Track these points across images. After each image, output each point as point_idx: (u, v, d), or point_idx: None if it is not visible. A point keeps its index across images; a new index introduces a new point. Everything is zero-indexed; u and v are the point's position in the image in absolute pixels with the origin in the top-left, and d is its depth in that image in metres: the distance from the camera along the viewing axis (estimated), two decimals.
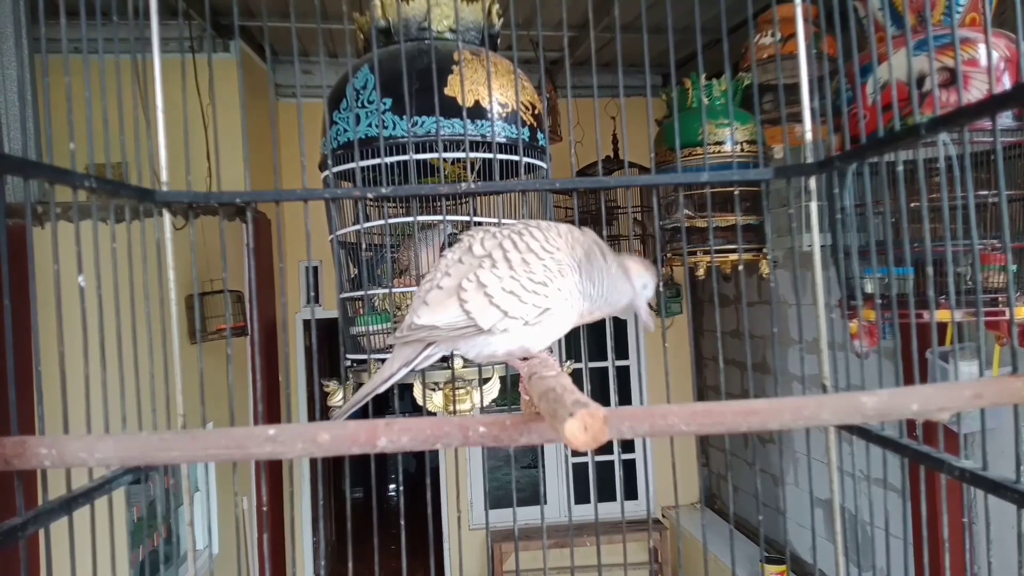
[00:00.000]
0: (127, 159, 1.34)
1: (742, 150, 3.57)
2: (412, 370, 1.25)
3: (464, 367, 1.95)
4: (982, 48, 2.26)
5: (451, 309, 1.13)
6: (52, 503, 1.00)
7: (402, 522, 1.70)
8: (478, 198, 2.21)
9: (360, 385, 2.07)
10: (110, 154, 1.31)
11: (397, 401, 1.79)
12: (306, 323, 6.42)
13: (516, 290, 1.12)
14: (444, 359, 1.93)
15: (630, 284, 1.23)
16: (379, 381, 1.23)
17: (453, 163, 2.28)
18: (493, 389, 1.97)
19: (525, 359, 1.21)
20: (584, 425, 0.77)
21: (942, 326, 2.89)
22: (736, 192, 3.06)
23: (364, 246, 2.06)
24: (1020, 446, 0.98)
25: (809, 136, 1.46)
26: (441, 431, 0.91)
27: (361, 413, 1.65)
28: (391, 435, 0.90)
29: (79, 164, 1.17)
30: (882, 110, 2.29)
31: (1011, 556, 1.03)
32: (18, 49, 2.35)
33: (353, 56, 2.28)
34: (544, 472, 7.10)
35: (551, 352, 1.26)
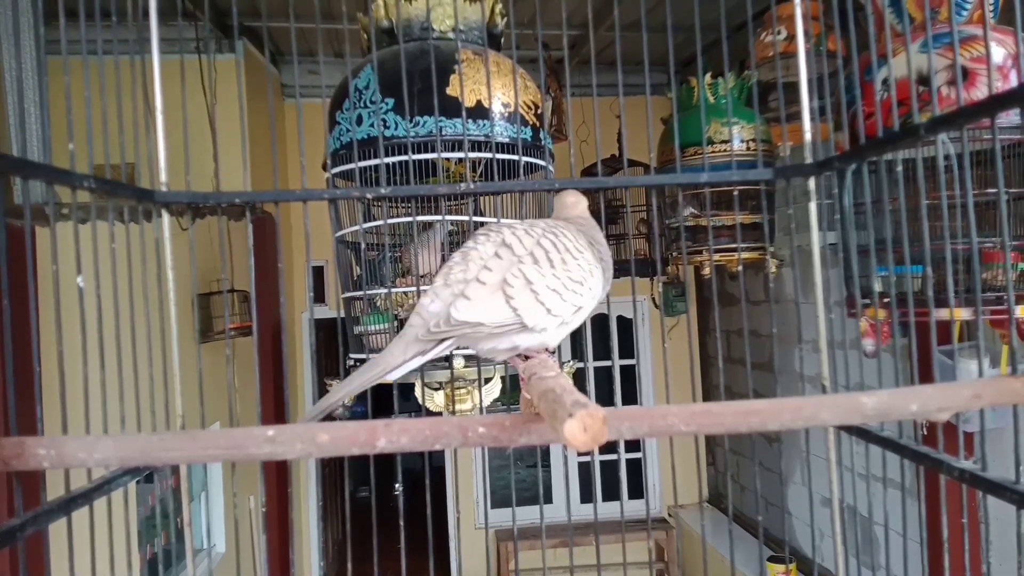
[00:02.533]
0: (126, 159, 1.34)
1: (748, 148, 3.56)
2: (426, 359, 1.18)
3: (465, 367, 1.95)
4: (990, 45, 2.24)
5: (497, 306, 1.10)
6: (51, 504, 1.00)
7: (401, 522, 1.70)
8: (480, 197, 2.22)
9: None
10: (110, 155, 1.31)
11: (398, 402, 1.79)
12: (311, 322, 6.43)
13: (559, 288, 1.12)
14: (445, 359, 1.93)
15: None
16: (392, 365, 1.15)
17: (459, 163, 2.28)
18: (495, 389, 1.97)
19: (526, 358, 1.21)
20: (583, 426, 0.76)
21: (949, 324, 2.88)
22: (736, 192, 3.06)
23: (365, 246, 2.06)
24: (1020, 447, 0.98)
25: (809, 136, 1.46)
26: (440, 431, 0.91)
27: (361, 413, 1.66)
28: (390, 435, 0.90)
29: (80, 164, 1.17)
30: (888, 110, 2.28)
31: (1011, 556, 1.03)
32: (18, 50, 2.36)
33: (357, 56, 2.28)
34: (550, 471, 7.10)
35: (551, 353, 1.26)
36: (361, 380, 1.15)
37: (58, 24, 1.24)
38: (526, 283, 1.11)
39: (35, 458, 0.86)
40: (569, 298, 1.13)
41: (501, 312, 1.11)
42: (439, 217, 2.06)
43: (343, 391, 1.17)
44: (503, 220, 1.84)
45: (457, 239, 2.11)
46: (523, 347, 1.17)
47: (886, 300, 2.27)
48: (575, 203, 1.35)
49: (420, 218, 2.00)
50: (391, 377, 1.19)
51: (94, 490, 1.11)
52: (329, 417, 2.05)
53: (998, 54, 2.32)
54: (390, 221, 2.06)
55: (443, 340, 1.15)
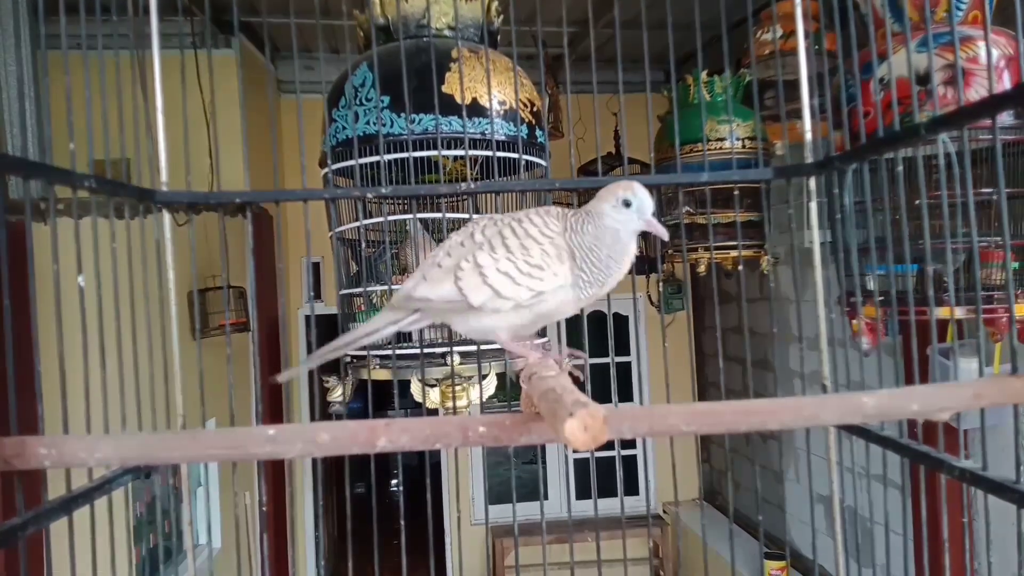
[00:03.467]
0: (127, 156, 1.34)
1: (743, 147, 3.56)
2: (398, 330, 1.31)
3: (461, 363, 1.95)
4: (983, 46, 2.25)
5: (446, 285, 1.18)
6: (52, 503, 1.00)
7: (402, 521, 1.71)
8: (478, 196, 2.21)
9: (362, 381, 2.07)
10: (110, 152, 1.31)
11: (397, 399, 1.79)
12: (308, 319, 6.42)
13: (511, 271, 1.15)
14: (443, 356, 1.94)
15: (617, 221, 1.19)
16: (363, 333, 1.28)
17: (455, 160, 2.28)
18: (490, 386, 1.97)
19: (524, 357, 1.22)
20: (584, 425, 0.76)
21: (944, 323, 2.90)
22: (736, 191, 3.05)
23: (364, 243, 2.06)
24: (1020, 447, 0.98)
25: (809, 136, 1.46)
26: (441, 431, 0.91)
27: (361, 412, 1.66)
28: (391, 435, 0.90)
29: (80, 161, 1.17)
30: (885, 108, 2.29)
31: (1011, 556, 1.03)
32: (18, 47, 2.35)
33: (354, 53, 2.28)
34: (545, 468, 7.11)
35: (548, 349, 1.27)
36: (344, 341, 1.29)
37: (58, 19, 1.23)
38: (475, 266, 1.17)
39: (36, 457, 0.86)
40: (524, 281, 1.15)
41: (447, 290, 1.19)
42: (438, 215, 2.05)
43: (331, 347, 1.29)
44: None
45: (441, 236, 2.11)
46: (491, 327, 1.22)
47: (880, 299, 2.28)
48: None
49: (420, 215, 2.00)
50: (368, 340, 1.31)
51: (95, 489, 1.11)
52: (328, 416, 2.06)
53: (992, 54, 2.32)
54: (391, 219, 2.06)
55: (412, 313, 1.26)
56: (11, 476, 0.91)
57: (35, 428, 1.02)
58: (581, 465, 6.93)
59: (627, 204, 1.20)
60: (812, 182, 1.44)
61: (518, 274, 1.15)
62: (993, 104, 0.97)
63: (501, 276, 1.15)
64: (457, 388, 1.97)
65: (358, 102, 2.05)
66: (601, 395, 0.90)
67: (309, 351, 6.49)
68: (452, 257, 1.21)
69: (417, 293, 1.21)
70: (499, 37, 2.30)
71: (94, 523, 1.14)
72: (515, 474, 6.49)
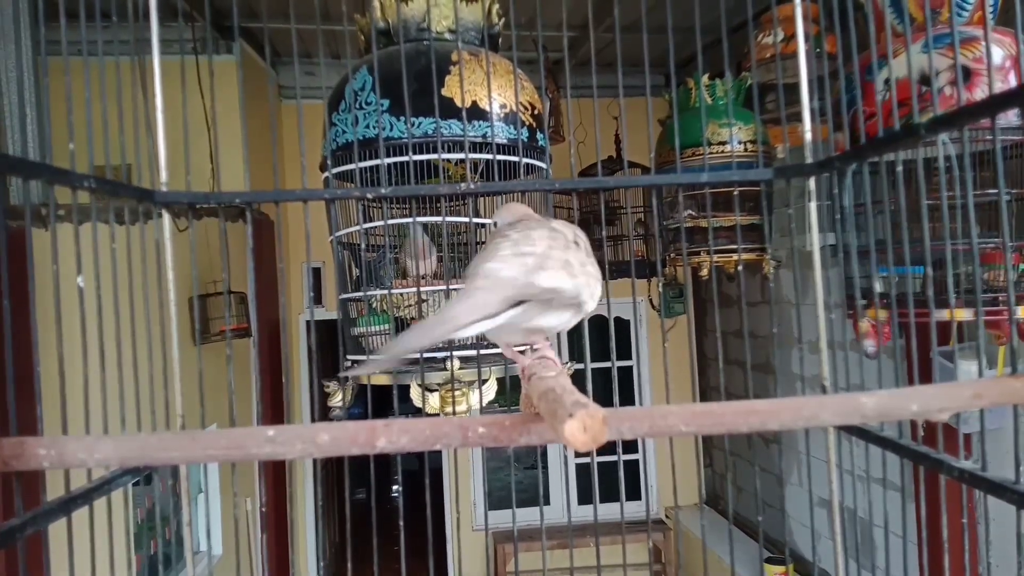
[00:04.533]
0: (127, 160, 1.34)
1: (745, 150, 3.56)
2: (487, 327, 1.08)
3: (461, 368, 1.95)
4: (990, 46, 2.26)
5: (564, 278, 1.13)
6: (51, 504, 1.00)
7: (401, 523, 1.70)
8: (480, 199, 2.21)
9: (361, 386, 2.07)
10: (110, 155, 1.31)
11: (397, 404, 1.79)
12: (309, 324, 6.42)
13: (596, 275, 1.17)
14: (443, 360, 1.93)
15: None
16: (461, 324, 1.01)
17: (456, 164, 2.28)
18: (490, 391, 1.97)
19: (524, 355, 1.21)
20: (583, 426, 0.76)
21: (949, 325, 2.89)
22: (736, 193, 3.06)
23: (365, 247, 2.06)
24: (1020, 447, 0.98)
25: (809, 136, 1.46)
26: (440, 431, 0.91)
27: (361, 417, 1.65)
28: (390, 436, 0.90)
29: (80, 166, 1.17)
30: (887, 111, 2.29)
31: (1011, 556, 1.03)
32: (19, 51, 2.35)
33: (355, 57, 2.28)
34: (546, 473, 7.10)
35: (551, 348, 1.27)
36: (431, 335, 1.03)
37: (58, 25, 1.23)
38: (581, 264, 1.16)
39: (35, 458, 0.86)
40: (596, 287, 1.17)
41: (568, 285, 1.14)
42: (439, 218, 2.06)
43: (407, 343, 1.01)
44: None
45: (441, 240, 2.11)
46: (567, 325, 1.20)
47: (885, 301, 2.27)
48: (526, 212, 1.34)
49: (421, 219, 2.00)
50: (463, 333, 1.05)
51: (94, 490, 1.11)
52: (326, 418, 2.05)
53: (997, 55, 2.33)
54: (391, 222, 2.06)
55: (513, 306, 1.10)
56: (10, 477, 0.90)
57: (34, 429, 1.02)
58: (582, 470, 6.93)
59: None
60: (812, 182, 1.44)
61: (599, 279, 1.18)
62: (994, 104, 0.97)
63: (593, 279, 1.17)
64: (457, 393, 1.97)
65: (358, 106, 2.06)
66: (603, 399, 0.90)
67: (309, 356, 6.50)
68: (556, 250, 1.16)
69: (544, 283, 1.10)
70: (499, 40, 2.31)
71: (93, 524, 1.14)
72: (516, 479, 6.48)
